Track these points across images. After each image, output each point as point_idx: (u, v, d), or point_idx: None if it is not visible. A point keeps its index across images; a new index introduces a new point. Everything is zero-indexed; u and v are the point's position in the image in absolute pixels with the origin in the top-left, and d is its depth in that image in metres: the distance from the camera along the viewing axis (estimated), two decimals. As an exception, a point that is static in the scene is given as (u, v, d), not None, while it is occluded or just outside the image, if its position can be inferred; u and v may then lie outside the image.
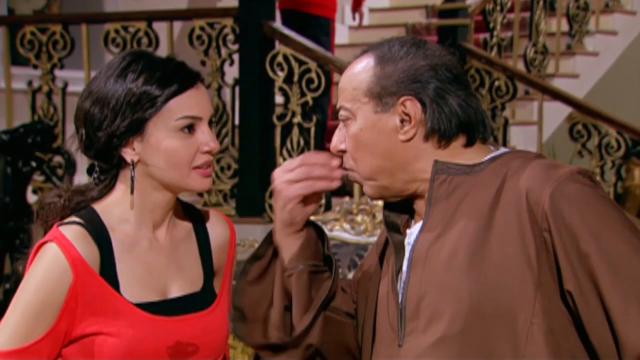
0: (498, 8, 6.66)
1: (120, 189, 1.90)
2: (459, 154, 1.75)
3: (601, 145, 5.50)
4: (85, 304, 1.83)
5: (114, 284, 1.85)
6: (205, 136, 1.87)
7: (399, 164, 1.74)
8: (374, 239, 3.49)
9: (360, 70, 1.76)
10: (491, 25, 6.64)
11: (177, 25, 5.02)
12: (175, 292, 1.91)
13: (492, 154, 1.76)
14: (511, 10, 6.73)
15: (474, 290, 1.65)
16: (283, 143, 4.66)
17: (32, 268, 1.85)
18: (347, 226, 3.53)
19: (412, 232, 1.77)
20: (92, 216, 1.88)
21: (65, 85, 5.18)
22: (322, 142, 4.82)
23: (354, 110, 1.76)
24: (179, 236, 1.96)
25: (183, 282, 1.93)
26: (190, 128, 1.86)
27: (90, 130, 1.86)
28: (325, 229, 3.57)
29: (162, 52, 4.94)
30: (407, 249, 1.77)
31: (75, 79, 5.29)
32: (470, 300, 1.65)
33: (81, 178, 5.09)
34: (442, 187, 1.73)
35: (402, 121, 1.73)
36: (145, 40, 4.99)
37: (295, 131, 4.62)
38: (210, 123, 1.90)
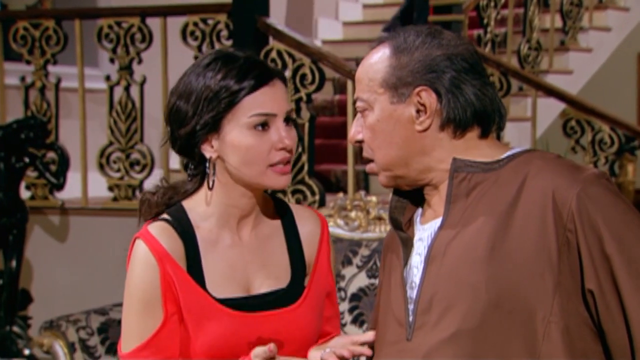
0: (492, 4, 6.67)
1: (206, 186, 1.93)
2: (474, 146, 1.75)
3: (594, 141, 5.51)
4: (177, 291, 1.87)
5: (200, 279, 1.88)
6: (279, 133, 1.88)
7: (415, 154, 1.74)
8: (368, 235, 3.48)
9: (377, 61, 1.75)
10: (485, 21, 6.65)
11: (171, 20, 5.00)
12: (259, 288, 1.93)
13: (510, 152, 1.75)
14: (505, 6, 6.74)
15: (491, 285, 1.64)
16: (277, 139, 4.65)
17: (129, 267, 1.91)
18: (341, 222, 3.53)
19: (427, 228, 1.77)
20: (179, 213, 1.92)
21: (59, 81, 5.16)
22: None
23: (370, 101, 1.76)
24: (265, 233, 1.96)
25: (268, 278, 1.94)
26: (265, 125, 1.87)
27: (174, 126, 1.90)
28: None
29: (156, 48, 4.94)
30: (419, 244, 1.77)
31: (68, 75, 5.27)
32: (488, 295, 1.64)
33: (74, 174, 5.08)
34: (461, 185, 1.72)
35: (417, 111, 1.73)
36: (138, 36, 4.97)
37: (289, 127, 4.61)
38: (289, 120, 1.91)
